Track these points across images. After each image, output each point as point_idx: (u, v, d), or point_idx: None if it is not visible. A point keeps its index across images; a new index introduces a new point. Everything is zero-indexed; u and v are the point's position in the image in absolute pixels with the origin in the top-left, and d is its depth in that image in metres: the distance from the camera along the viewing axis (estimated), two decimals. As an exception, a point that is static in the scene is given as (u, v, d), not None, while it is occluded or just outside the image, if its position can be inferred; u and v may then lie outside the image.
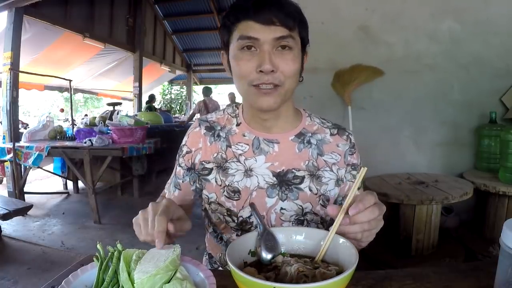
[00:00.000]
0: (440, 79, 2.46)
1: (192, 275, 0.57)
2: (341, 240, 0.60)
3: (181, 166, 0.89)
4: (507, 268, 0.48)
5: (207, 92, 6.53)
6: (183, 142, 0.90)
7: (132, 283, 0.51)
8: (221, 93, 21.21)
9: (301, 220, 0.82)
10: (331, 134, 0.86)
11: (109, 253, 0.58)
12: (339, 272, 0.53)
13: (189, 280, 0.54)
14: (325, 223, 0.86)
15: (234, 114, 0.89)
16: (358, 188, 0.85)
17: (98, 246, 0.59)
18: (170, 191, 0.92)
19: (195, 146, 0.87)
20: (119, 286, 0.53)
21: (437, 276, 0.64)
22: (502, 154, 2.10)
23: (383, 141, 2.55)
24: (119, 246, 0.58)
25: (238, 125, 0.87)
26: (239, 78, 0.75)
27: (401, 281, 0.63)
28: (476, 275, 0.64)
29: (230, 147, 0.84)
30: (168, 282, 0.52)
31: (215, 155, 0.85)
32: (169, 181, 0.94)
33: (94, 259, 0.58)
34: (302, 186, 0.81)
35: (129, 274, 0.52)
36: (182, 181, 0.89)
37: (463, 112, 2.47)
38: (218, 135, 0.86)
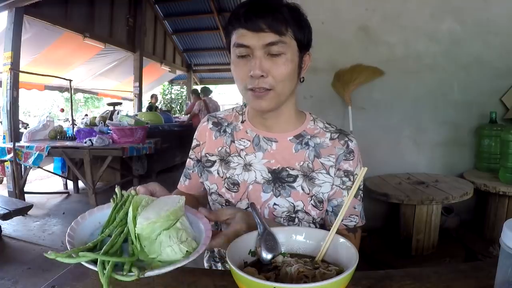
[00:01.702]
0: (440, 79, 2.46)
1: (194, 225, 0.63)
2: (341, 240, 0.60)
3: (191, 158, 0.98)
4: (507, 268, 0.48)
5: (206, 92, 6.54)
6: (194, 136, 0.98)
7: (135, 225, 0.56)
8: (221, 93, 21.23)
9: (292, 217, 0.84)
10: (331, 139, 0.86)
11: (125, 196, 0.64)
12: (339, 272, 0.53)
13: (187, 230, 0.59)
14: (317, 224, 0.87)
15: (241, 112, 0.95)
16: (360, 196, 0.86)
17: (116, 190, 0.65)
18: (181, 182, 1.00)
19: (203, 139, 0.95)
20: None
21: (437, 276, 0.64)
22: (502, 154, 2.10)
23: (383, 141, 2.55)
24: (133, 192, 0.64)
25: (242, 122, 0.92)
26: (237, 81, 0.81)
27: (401, 281, 0.63)
28: (476, 275, 0.64)
29: (234, 142, 0.90)
30: (167, 230, 0.56)
31: (220, 149, 0.91)
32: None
33: (111, 200, 0.64)
34: (294, 184, 0.84)
35: (134, 217, 0.57)
36: (192, 171, 0.97)
37: (463, 112, 2.47)
38: (225, 131, 0.93)
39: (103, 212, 0.64)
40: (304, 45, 0.79)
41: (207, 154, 0.92)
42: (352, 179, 0.85)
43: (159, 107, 8.79)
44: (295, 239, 0.65)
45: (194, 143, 0.97)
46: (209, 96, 6.53)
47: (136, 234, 0.56)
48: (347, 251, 0.57)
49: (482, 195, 2.23)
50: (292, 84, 0.80)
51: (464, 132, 2.49)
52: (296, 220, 0.84)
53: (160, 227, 0.56)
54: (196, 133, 0.98)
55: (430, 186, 2.11)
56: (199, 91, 6.78)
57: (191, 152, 0.98)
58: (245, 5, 0.75)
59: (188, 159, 0.99)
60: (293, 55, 0.77)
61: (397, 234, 2.15)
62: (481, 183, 2.10)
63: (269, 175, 0.85)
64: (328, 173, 0.84)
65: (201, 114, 6.04)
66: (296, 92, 0.87)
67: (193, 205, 0.94)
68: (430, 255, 2.04)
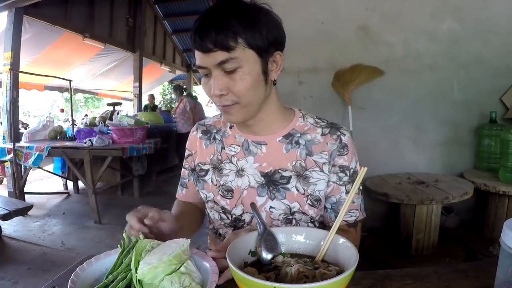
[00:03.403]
0: (440, 78, 2.46)
1: (202, 268, 0.61)
2: (341, 240, 0.60)
3: (185, 168, 0.99)
4: (507, 268, 0.48)
5: (183, 91, 6.32)
6: (186, 146, 0.99)
7: (137, 271, 0.55)
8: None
9: (289, 219, 0.83)
10: (322, 134, 0.85)
11: (133, 241, 0.63)
12: (339, 272, 0.54)
13: (191, 275, 0.56)
14: (316, 222, 0.87)
15: None
16: (359, 189, 0.86)
17: (124, 235, 0.65)
18: (178, 191, 1.01)
19: (194, 149, 0.96)
20: None
21: (437, 276, 0.64)
22: (502, 154, 2.10)
23: (383, 141, 2.55)
24: (141, 236, 0.63)
25: (231, 127, 0.91)
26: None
27: (401, 281, 0.63)
28: (476, 275, 0.64)
29: (224, 148, 0.89)
30: (170, 275, 0.55)
31: (212, 156, 0.91)
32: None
33: (119, 246, 0.64)
34: (288, 186, 0.82)
35: (137, 263, 0.56)
36: (188, 180, 0.98)
37: (463, 111, 2.47)
38: (214, 138, 0.92)
39: (110, 258, 0.63)
40: (265, 49, 0.74)
41: (199, 164, 0.92)
42: (348, 174, 0.83)
43: (158, 107, 8.78)
44: (295, 239, 0.65)
45: (187, 152, 0.98)
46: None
47: (137, 280, 0.54)
48: (347, 251, 0.57)
49: (482, 195, 2.23)
50: (259, 93, 0.76)
51: (464, 132, 2.49)
52: (294, 221, 0.83)
53: (163, 272, 0.54)
54: (187, 142, 0.98)
55: (430, 186, 2.11)
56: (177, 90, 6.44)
57: (184, 161, 0.99)
58: (195, 23, 0.72)
59: (182, 169, 1.00)
60: (252, 65, 0.73)
61: (397, 234, 2.15)
62: (481, 183, 2.10)
63: (262, 178, 0.84)
64: (322, 170, 0.82)
65: (187, 113, 5.83)
66: (278, 91, 0.85)
67: (194, 214, 0.97)
68: (430, 255, 2.04)
